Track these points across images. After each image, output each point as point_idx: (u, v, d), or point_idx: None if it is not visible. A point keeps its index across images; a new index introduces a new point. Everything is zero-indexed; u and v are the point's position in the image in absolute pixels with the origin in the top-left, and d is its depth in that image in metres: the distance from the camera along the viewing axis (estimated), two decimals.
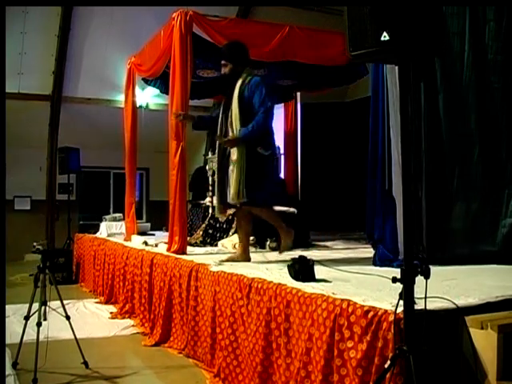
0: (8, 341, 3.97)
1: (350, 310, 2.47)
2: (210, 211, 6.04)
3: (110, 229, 7.86)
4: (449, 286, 2.86)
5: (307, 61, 5.59)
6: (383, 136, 3.94)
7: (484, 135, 3.90)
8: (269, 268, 3.82)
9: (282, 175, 7.69)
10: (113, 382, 3.52)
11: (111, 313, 5.50)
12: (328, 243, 6.08)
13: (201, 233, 5.91)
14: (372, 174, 4.11)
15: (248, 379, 3.21)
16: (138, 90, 7.07)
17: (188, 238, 5.22)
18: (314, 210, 7.42)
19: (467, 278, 3.22)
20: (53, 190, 10.00)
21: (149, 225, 8.27)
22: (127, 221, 6.87)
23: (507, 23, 3.90)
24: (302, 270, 3.19)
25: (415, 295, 2.14)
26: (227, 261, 4.24)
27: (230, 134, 4.22)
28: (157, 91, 7.23)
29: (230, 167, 4.20)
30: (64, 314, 3.66)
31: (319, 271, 3.32)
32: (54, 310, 3.66)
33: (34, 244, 3.74)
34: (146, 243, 5.87)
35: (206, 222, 5.96)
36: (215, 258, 4.42)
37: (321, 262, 3.76)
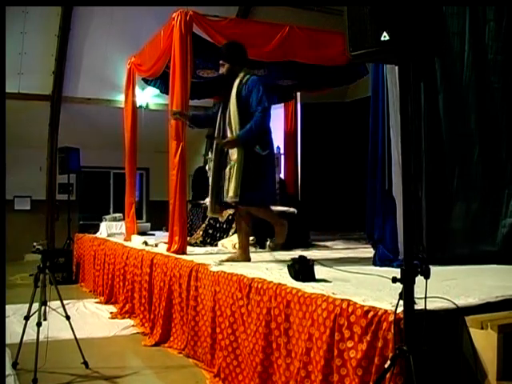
0: (8, 341, 3.97)
1: (350, 309, 2.47)
2: None
3: (110, 229, 7.86)
4: (449, 286, 2.86)
5: (307, 61, 5.59)
6: (383, 136, 3.94)
7: (484, 135, 3.90)
8: (269, 268, 3.82)
9: (282, 175, 7.69)
10: (113, 381, 3.52)
11: (111, 313, 5.50)
12: (328, 243, 6.08)
13: (201, 233, 5.91)
14: (372, 174, 4.11)
15: (248, 379, 3.21)
16: (138, 89, 7.07)
17: (188, 238, 5.22)
18: (314, 210, 7.42)
19: (467, 277, 3.22)
20: (53, 190, 10.00)
21: (149, 225, 8.27)
22: (127, 221, 6.87)
23: (507, 23, 3.90)
24: (302, 270, 3.19)
25: (415, 295, 2.14)
26: (227, 261, 4.24)
27: (229, 134, 4.22)
28: (157, 91, 7.22)
29: (228, 167, 4.20)
30: (64, 314, 3.66)
31: (319, 271, 3.32)
32: (54, 309, 3.66)
33: (34, 244, 3.74)
34: (145, 243, 5.87)
35: (206, 222, 5.96)
36: (215, 258, 4.42)
37: (321, 262, 3.76)
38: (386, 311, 2.33)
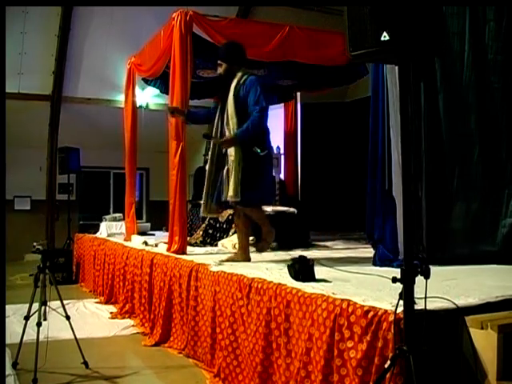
0: (8, 341, 3.97)
1: (350, 309, 2.47)
2: None
3: (110, 229, 7.86)
4: (449, 286, 2.86)
5: (307, 61, 5.59)
6: (383, 136, 3.94)
7: (484, 135, 3.90)
8: (269, 268, 3.82)
9: (282, 175, 7.69)
10: (113, 381, 3.52)
11: (111, 313, 5.50)
12: (328, 243, 6.08)
13: (201, 233, 5.91)
14: (372, 174, 4.11)
15: (248, 379, 3.21)
16: (138, 89, 7.07)
17: (188, 238, 5.22)
18: (314, 210, 7.42)
19: (467, 277, 3.22)
20: (53, 190, 10.00)
21: (149, 225, 8.27)
22: (127, 221, 6.87)
23: (507, 23, 3.90)
24: (302, 270, 3.19)
25: (415, 295, 2.14)
26: (227, 261, 4.24)
27: (227, 134, 4.23)
28: (157, 91, 7.23)
29: (226, 167, 4.20)
30: (64, 314, 3.66)
31: (319, 271, 3.32)
32: (54, 309, 3.66)
33: (34, 244, 3.74)
34: (146, 243, 5.87)
35: (206, 222, 5.96)
36: (215, 257, 4.42)
37: (321, 262, 3.76)
38: (385, 311, 2.33)
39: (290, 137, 7.74)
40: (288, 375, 2.85)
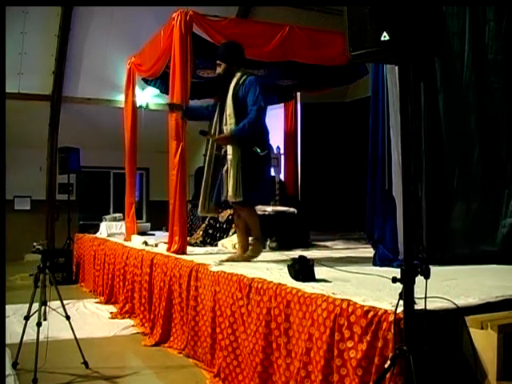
0: (8, 341, 3.97)
1: (350, 309, 2.47)
2: None
3: (110, 229, 7.86)
4: (449, 286, 2.86)
5: (307, 61, 5.59)
6: (383, 136, 3.94)
7: (484, 135, 3.90)
8: (269, 268, 3.82)
9: (282, 175, 7.69)
10: (113, 381, 3.52)
11: (111, 313, 5.50)
12: (328, 243, 6.08)
13: (201, 233, 5.91)
14: (372, 174, 4.11)
15: (248, 379, 3.21)
16: (138, 89, 7.07)
17: (188, 238, 5.22)
18: (313, 210, 7.42)
19: (467, 277, 3.22)
20: (53, 190, 10.00)
21: (149, 225, 8.27)
22: (127, 221, 6.87)
23: (507, 23, 3.90)
24: (302, 270, 3.19)
25: (415, 295, 2.14)
26: (227, 261, 4.24)
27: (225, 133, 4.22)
28: (157, 91, 7.22)
29: (226, 167, 4.20)
30: (64, 314, 3.66)
31: (319, 271, 3.32)
32: (54, 309, 3.66)
33: (34, 244, 3.74)
34: (146, 243, 5.87)
35: (206, 222, 5.96)
36: (215, 257, 4.42)
37: (321, 262, 3.76)
38: (386, 311, 2.33)
39: (289, 137, 7.74)
40: (288, 375, 2.85)
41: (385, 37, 2.07)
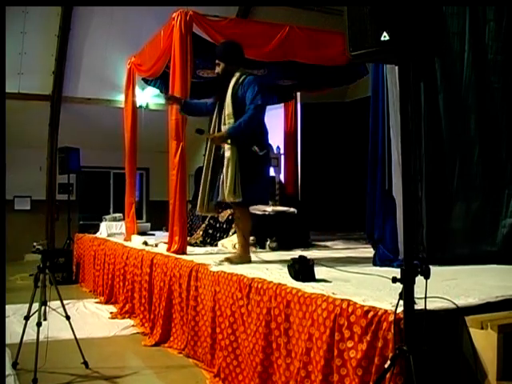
0: (8, 341, 3.97)
1: (350, 309, 2.47)
2: None
3: (110, 229, 7.86)
4: (449, 286, 2.86)
5: (307, 61, 5.59)
6: (383, 136, 3.94)
7: (484, 135, 3.90)
8: (269, 268, 3.82)
9: (281, 175, 7.68)
10: (113, 381, 3.52)
11: (111, 313, 5.50)
12: (328, 243, 6.08)
13: (201, 233, 5.91)
14: (372, 174, 4.11)
15: (248, 379, 3.21)
16: (138, 89, 7.07)
17: (188, 238, 5.22)
18: (313, 210, 7.41)
19: (467, 277, 3.22)
20: (53, 189, 10.00)
21: (149, 225, 8.27)
22: (127, 221, 6.87)
23: (507, 23, 3.90)
24: (302, 270, 3.19)
25: (415, 295, 2.14)
26: (227, 261, 4.23)
27: None
28: (157, 91, 7.23)
29: (224, 166, 4.19)
30: (64, 314, 3.66)
31: (319, 271, 3.32)
32: (54, 309, 3.66)
33: (34, 244, 3.74)
34: (145, 243, 5.87)
35: (206, 222, 5.96)
36: (215, 258, 4.41)
37: (321, 262, 3.76)
38: (386, 311, 2.33)
39: (289, 137, 7.74)
40: (288, 375, 2.85)
41: (385, 37, 2.07)
